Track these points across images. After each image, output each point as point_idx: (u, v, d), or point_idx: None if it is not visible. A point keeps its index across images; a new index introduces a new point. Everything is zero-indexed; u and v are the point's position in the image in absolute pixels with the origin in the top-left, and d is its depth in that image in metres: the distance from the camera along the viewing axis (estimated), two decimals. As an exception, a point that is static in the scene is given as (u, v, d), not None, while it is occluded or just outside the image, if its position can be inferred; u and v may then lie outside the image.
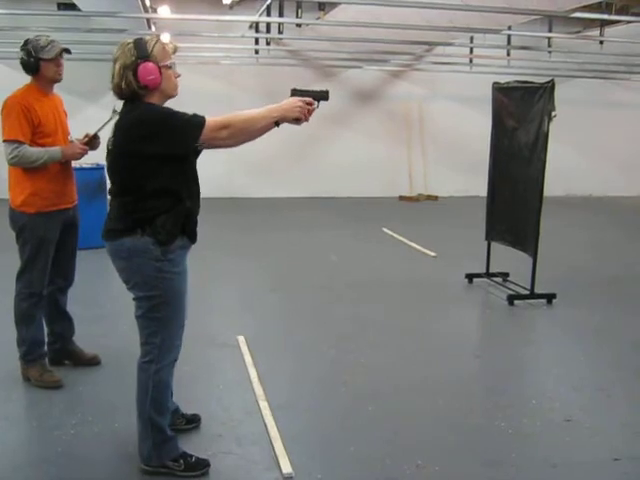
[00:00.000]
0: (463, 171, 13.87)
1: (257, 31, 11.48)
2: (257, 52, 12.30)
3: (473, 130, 13.54)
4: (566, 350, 5.50)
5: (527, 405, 4.36)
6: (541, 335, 6.03)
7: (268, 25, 10.94)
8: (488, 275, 7.32)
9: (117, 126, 3.17)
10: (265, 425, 3.90)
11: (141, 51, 3.10)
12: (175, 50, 3.28)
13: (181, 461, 3.40)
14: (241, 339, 5.27)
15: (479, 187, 13.15)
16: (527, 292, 6.63)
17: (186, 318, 3.43)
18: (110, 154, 3.20)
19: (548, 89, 6.27)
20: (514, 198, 6.92)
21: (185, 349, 3.58)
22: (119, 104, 3.29)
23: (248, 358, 4.89)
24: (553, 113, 6.26)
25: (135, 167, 3.10)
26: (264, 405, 4.13)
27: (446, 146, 14.09)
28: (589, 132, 14.29)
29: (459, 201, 13.69)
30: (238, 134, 3.10)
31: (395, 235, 9.85)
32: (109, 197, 3.31)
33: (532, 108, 6.52)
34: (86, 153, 4.44)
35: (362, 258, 8.55)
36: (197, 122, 3.04)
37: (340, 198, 13.50)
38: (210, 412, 4.06)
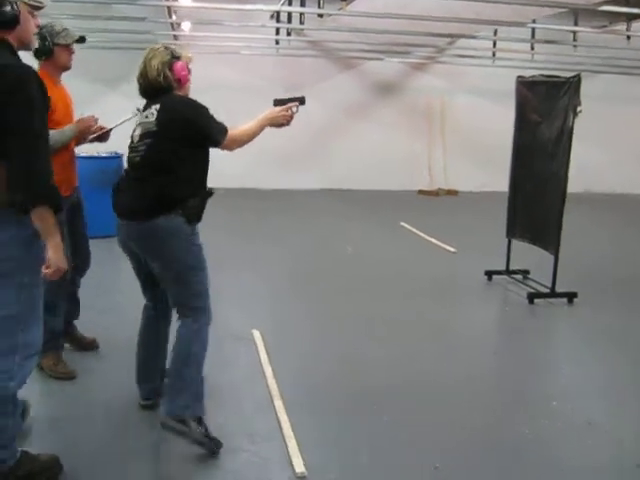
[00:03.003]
0: (484, 166, 13.70)
1: (278, 21, 11.38)
2: (277, 42, 12.21)
3: (495, 125, 13.31)
4: (588, 351, 5.40)
5: (547, 407, 4.26)
6: (562, 335, 5.91)
7: (289, 15, 10.84)
8: (508, 272, 7.20)
9: (162, 109, 3.53)
10: (279, 422, 3.83)
11: (174, 52, 3.66)
12: (190, 60, 3.79)
13: (203, 426, 3.54)
14: (256, 333, 5.20)
15: (499, 182, 13.01)
16: (547, 290, 6.51)
17: None
18: (152, 135, 3.52)
19: (574, 84, 6.14)
20: (536, 194, 6.79)
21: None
22: (142, 105, 3.71)
23: (263, 353, 4.83)
24: (578, 108, 6.14)
25: (176, 150, 3.51)
26: (278, 402, 4.06)
27: (467, 140, 13.92)
28: (611, 128, 14.02)
29: (479, 196, 13.52)
30: (239, 145, 3.74)
31: (414, 229, 9.74)
32: (136, 176, 3.59)
33: (557, 103, 6.38)
34: (94, 130, 4.39)
35: (380, 252, 8.45)
36: (224, 127, 3.63)
37: (359, 191, 13.37)
38: (223, 407, 4.00)
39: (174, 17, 10.39)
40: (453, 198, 13.58)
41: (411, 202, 12.85)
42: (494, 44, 12.54)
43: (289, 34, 12.04)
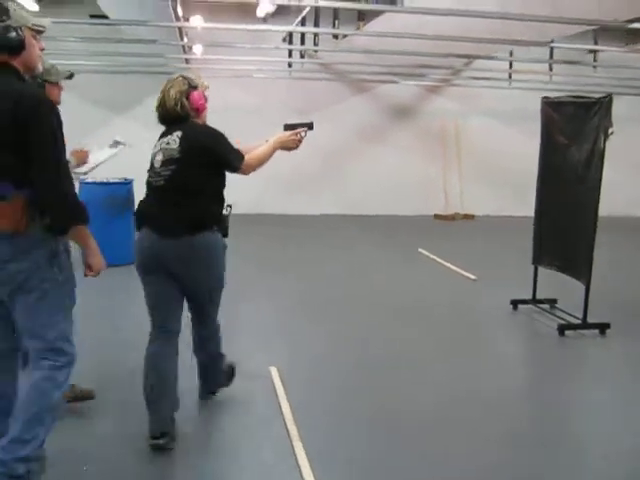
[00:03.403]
0: (501, 190, 13.42)
1: (291, 43, 11.16)
2: (290, 65, 12.00)
3: (511, 147, 13.11)
4: (629, 389, 5.01)
5: (589, 456, 3.91)
6: (599, 370, 5.51)
7: (302, 37, 10.62)
8: (535, 302, 6.87)
9: (184, 137, 3.74)
10: (300, 470, 3.50)
11: (191, 82, 3.85)
12: (207, 87, 3.97)
13: (230, 371, 4.39)
14: (273, 370, 4.87)
15: (516, 206, 12.75)
16: (578, 321, 6.17)
17: None
18: (175, 162, 3.73)
19: (605, 104, 5.86)
20: (564, 220, 6.48)
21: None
22: (120, 136, 4.22)
23: (281, 392, 4.49)
24: (610, 130, 5.85)
25: (200, 175, 3.74)
26: (298, 446, 3.72)
27: (483, 164, 13.61)
28: (634, 151, 13.63)
29: (496, 221, 13.20)
30: (254, 169, 3.96)
31: (432, 256, 9.42)
32: (163, 199, 3.77)
33: (586, 124, 6.09)
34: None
35: (399, 280, 8.14)
36: (242, 154, 3.87)
37: (374, 216, 13.08)
38: (239, 455, 3.69)
39: (185, 39, 10.19)
40: (470, 222, 13.26)
41: (428, 227, 12.54)
42: (510, 65, 12.28)
43: (302, 57, 11.83)
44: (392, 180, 13.17)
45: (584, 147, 6.12)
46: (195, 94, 3.82)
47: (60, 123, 3.01)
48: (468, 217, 13.48)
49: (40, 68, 3.27)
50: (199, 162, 3.74)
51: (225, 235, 3.89)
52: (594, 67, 12.10)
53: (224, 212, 3.90)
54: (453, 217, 13.35)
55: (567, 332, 6.11)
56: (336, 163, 13.23)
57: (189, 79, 3.86)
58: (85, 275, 3.25)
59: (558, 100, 6.71)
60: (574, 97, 6.62)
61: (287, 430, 3.95)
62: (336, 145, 12.96)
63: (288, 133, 4.07)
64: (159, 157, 3.79)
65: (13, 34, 2.92)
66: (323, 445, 3.83)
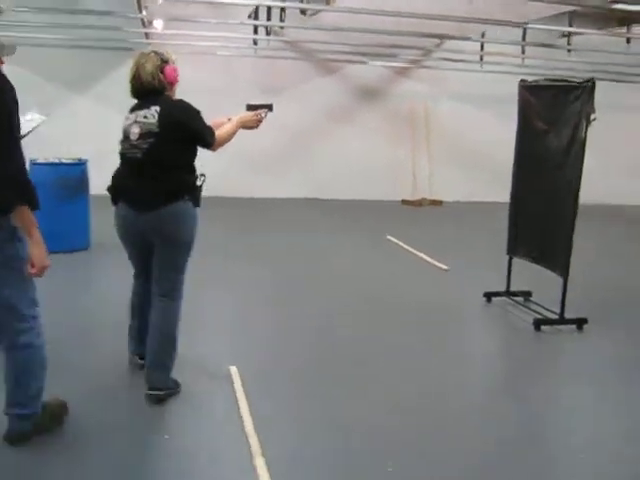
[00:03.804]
0: (471, 175, 13.11)
1: (257, 19, 10.69)
2: (256, 43, 11.54)
3: (481, 131, 12.82)
4: (610, 387, 4.75)
5: (574, 460, 3.64)
6: (578, 368, 5.20)
7: (269, 11, 10.17)
8: (508, 294, 6.59)
9: (162, 113, 3.87)
10: (260, 488, 3.16)
11: (162, 57, 4.02)
12: (174, 62, 4.10)
13: (173, 385, 4.11)
14: (234, 370, 4.48)
15: (487, 192, 12.50)
16: (555, 316, 5.90)
17: None
18: (154, 136, 3.85)
19: (587, 89, 5.58)
20: (541, 209, 6.19)
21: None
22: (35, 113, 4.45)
23: (241, 396, 4.11)
24: (592, 116, 5.57)
25: (177, 149, 3.91)
26: (261, 463, 3.35)
27: (453, 147, 13.26)
28: (609, 138, 13.32)
29: (465, 207, 12.93)
30: (221, 145, 4.16)
31: (401, 244, 9.10)
32: (141, 172, 3.90)
33: (566, 110, 5.80)
34: None
35: (368, 270, 7.79)
36: (213, 130, 4.08)
37: (340, 200, 12.68)
38: (197, 466, 3.33)
39: (144, 13, 9.66)
40: (438, 209, 12.93)
41: (395, 213, 12.19)
42: (482, 47, 11.94)
43: (268, 34, 11.37)
44: (360, 163, 12.78)
45: (564, 133, 5.82)
46: (168, 68, 3.99)
47: (14, 97, 2.99)
48: (436, 203, 13.14)
49: None
50: (175, 137, 3.88)
51: (197, 205, 4.01)
52: (568, 51, 11.84)
53: (198, 182, 4.01)
54: (420, 203, 13.00)
55: (543, 327, 5.85)
56: (303, 144, 12.81)
57: (160, 54, 4.03)
58: (27, 273, 3.05)
59: (536, 84, 6.40)
60: (553, 80, 6.32)
61: (248, 441, 3.58)
62: (303, 126, 12.57)
63: (251, 113, 4.34)
64: (135, 129, 3.90)
65: None
66: (289, 460, 3.49)
